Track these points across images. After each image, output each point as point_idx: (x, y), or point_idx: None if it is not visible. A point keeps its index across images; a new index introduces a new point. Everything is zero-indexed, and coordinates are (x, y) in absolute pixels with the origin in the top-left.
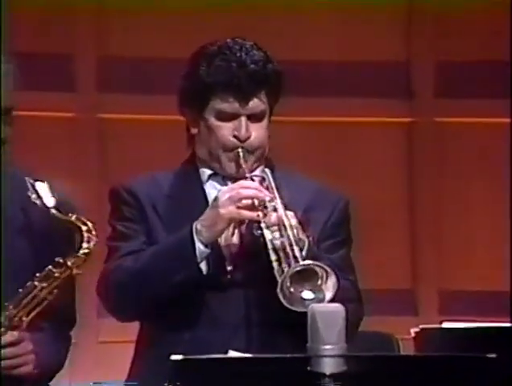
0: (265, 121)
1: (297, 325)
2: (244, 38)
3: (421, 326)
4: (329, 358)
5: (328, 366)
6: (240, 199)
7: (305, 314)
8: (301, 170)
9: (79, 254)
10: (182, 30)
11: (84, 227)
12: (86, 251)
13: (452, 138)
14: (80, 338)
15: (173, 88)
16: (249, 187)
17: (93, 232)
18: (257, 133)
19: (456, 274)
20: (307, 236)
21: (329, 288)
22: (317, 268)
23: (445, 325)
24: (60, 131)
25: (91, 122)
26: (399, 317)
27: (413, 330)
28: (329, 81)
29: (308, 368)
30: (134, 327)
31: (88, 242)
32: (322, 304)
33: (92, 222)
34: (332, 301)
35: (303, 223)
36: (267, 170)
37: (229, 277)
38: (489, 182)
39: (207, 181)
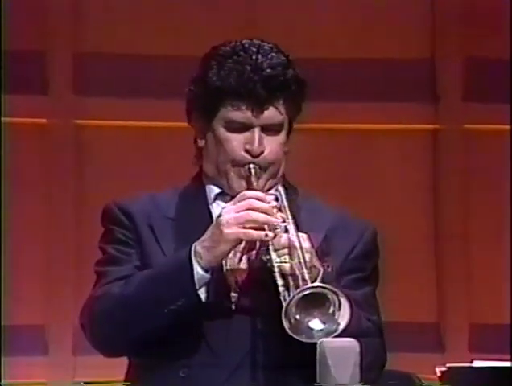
0: (282, 135)
1: (309, 364)
2: (262, 39)
3: (448, 365)
4: None
5: None
6: (248, 222)
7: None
8: (309, 185)
9: None
10: (171, 23)
11: None
12: None
13: (484, 148)
14: (53, 378)
15: (161, 90)
16: (259, 209)
17: None
18: (271, 147)
19: (489, 306)
20: (323, 265)
21: (342, 317)
22: (329, 293)
23: (476, 363)
24: (32, 139)
25: (66, 129)
26: (423, 353)
27: (438, 369)
28: (342, 83)
29: None
30: (114, 366)
31: None
32: (333, 339)
33: None
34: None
35: (321, 253)
36: (281, 188)
37: (233, 307)
38: None
39: (214, 201)
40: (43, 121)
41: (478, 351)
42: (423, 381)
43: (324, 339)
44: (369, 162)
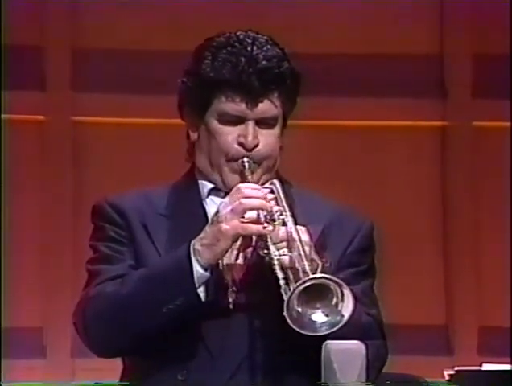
0: (276, 129)
1: (312, 365)
2: (257, 31)
3: (457, 368)
4: None
5: None
6: (244, 211)
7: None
8: (313, 184)
9: None
10: (170, 19)
11: None
12: None
13: (492, 145)
14: (52, 381)
15: (159, 86)
16: (252, 196)
17: None
18: (266, 141)
19: (498, 308)
20: (321, 259)
21: (346, 308)
22: (331, 284)
23: (486, 366)
24: (29, 136)
25: (64, 126)
26: (431, 356)
27: (447, 372)
28: (347, 78)
29: None
30: (113, 369)
31: None
32: (339, 341)
33: None
34: (350, 338)
35: (319, 247)
36: (276, 180)
37: (231, 306)
38: None
39: (207, 196)
40: (41, 117)
41: (488, 354)
42: (430, 385)
43: (330, 341)
44: (378, 159)
